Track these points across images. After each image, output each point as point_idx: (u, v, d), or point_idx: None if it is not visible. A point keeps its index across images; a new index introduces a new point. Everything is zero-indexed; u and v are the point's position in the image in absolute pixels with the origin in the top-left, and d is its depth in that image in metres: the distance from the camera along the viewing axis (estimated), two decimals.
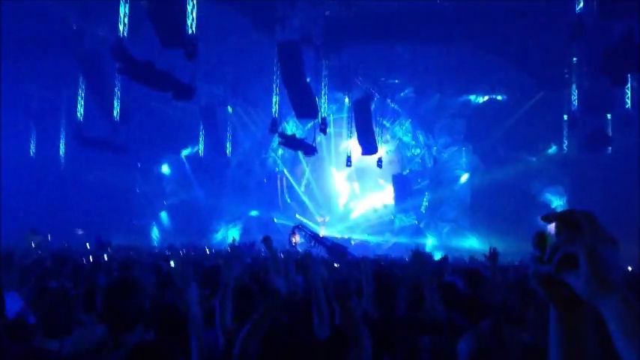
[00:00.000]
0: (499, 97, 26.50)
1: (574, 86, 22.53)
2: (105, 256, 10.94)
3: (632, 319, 1.00)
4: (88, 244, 17.61)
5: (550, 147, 25.93)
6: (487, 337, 3.08)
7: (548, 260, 1.10)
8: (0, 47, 18.44)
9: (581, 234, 1.07)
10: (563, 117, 24.25)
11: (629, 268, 16.03)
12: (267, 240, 5.71)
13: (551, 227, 1.10)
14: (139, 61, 18.81)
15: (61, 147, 25.35)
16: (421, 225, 28.60)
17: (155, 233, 28.12)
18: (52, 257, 10.53)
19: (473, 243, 26.06)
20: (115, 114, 22.63)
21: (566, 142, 24.70)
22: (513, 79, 24.02)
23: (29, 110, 23.72)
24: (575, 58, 22.13)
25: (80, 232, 23.48)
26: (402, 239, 27.85)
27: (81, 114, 22.84)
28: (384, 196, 29.81)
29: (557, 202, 25.71)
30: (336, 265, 10.82)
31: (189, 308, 3.02)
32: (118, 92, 22.79)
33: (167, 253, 15.65)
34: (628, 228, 20.85)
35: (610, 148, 22.65)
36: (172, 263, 8.88)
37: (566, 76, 22.71)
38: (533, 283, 1.15)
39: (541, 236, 1.14)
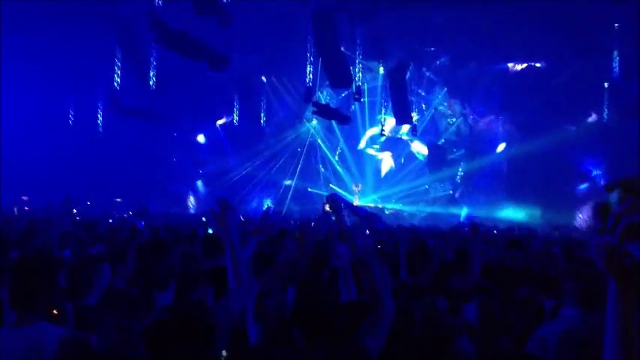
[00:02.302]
0: (537, 65, 25.90)
1: (615, 53, 21.94)
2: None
3: None
4: (128, 213, 17.93)
5: (590, 115, 25.34)
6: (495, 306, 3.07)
7: (611, 230, 1.04)
8: (35, 17, 18.70)
9: None
10: (603, 84, 23.67)
11: None
12: (334, 201, 5.28)
13: (614, 196, 1.03)
14: (174, 30, 18.90)
15: (99, 116, 25.71)
16: (456, 195, 28.39)
17: (191, 201, 28.48)
18: (90, 224, 10.80)
19: (509, 213, 25.79)
20: (151, 83, 22.85)
21: (606, 110, 24.11)
22: (552, 46, 23.39)
23: (67, 79, 24.04)
24: (616, 24, 21.50)
25: (119, 200, 23.92)
26: (437, 209, 27.71)
27: (117, 83, 23.11)
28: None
29: (596, 172, 25.24)
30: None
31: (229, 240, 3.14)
32: (153, 61, 22.99)
33: (203, 220, 15.89)
34: None
35: None
36: (210, 230, 9.04)
37: (607, 42, 22.09)
38: (594, 255, 1.09)
39: (603, 206, 1.07)
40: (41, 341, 2.78)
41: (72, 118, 26.14)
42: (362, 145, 30.09)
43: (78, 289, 3.55)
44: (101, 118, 25.72)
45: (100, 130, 25.63)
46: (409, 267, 4.63)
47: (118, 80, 23.30)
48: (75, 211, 16.25)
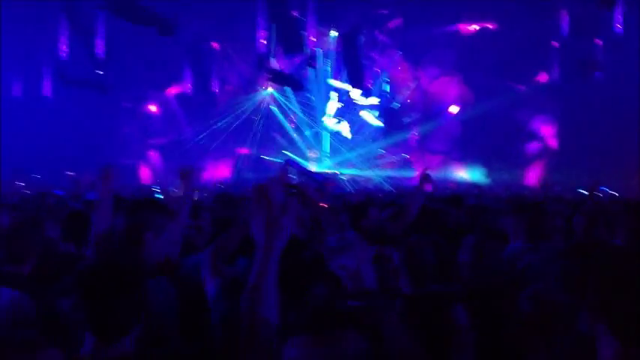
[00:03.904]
0: (489, 26, 26.09)
1: (564, 12, 22.25)
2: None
3: None
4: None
5: (540, 75, 25.73)
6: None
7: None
8: None
9: None
10: (553, 44, 24.02)
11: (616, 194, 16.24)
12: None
13: None
14: None
15: (45, 87, 24.98)
16: (411, 158, 28.61)
17: (144, 172, 28.03)
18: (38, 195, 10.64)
19: (463, 175, 26.21)
20: (98, 53, 22.27)
21: (555, 69, 24.53)
22: (503, 7, 23.56)
23: (11, 49, 23.26)
24: None
25: (70, 173, 23.40)
26: (392, 173, 27.92)
27: (64, 53, 22.44)
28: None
29: (547, 131, 25.85)
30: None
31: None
32: (101, 30, 22.38)
33: (156, 189, 15.76)
34: (618, 154, 21.05)
35: (599, 74, 22.55)
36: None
37: (557, 1, 22.39)
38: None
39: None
40: None
41: (17, 90, 25.34)
42: (328, 122, 29.72)
43: None
44: (48, 89, 25.00)
45: (48, 101, 24.93)
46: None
47: (65, 50, 22.64)
48: (22, 184, 15.96)
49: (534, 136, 26.08)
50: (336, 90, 27.34)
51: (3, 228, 3.87)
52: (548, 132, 25.96)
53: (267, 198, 2.01)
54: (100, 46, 22.37)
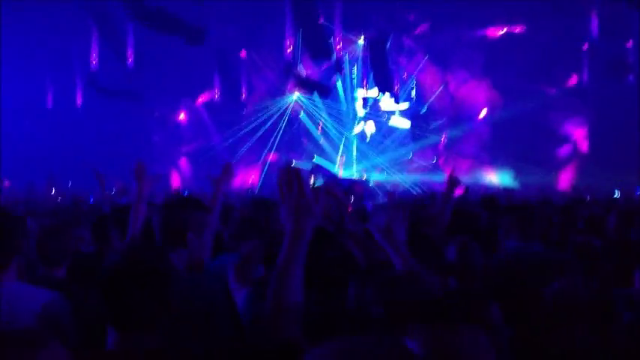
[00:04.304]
0: (517, 29, 25.85)
1: (593, 13, 21.96)
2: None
3: None
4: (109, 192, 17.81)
5: (570, 77, 25.40)
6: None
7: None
8: None
9: None
10: (582, 46, 23.68)
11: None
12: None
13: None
14: (148, 7, 18.71)
15: (78, 98, 25.41)
16: (439, 163, 28.40)
17: (175, 180, 28.23)
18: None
19: (493, 178, 25.92)
20: (128, 61, 22.58)
21: (585, 71, 24.19)
22: (532, 9, 23.32)
23: (44, 61, 23.71)
24: None
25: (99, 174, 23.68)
26: (421, 177, 27.70)
27: (95, 63, 22.82)
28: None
29: (578, 134, 25.49)
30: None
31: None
32: (131, 40, 22.73)
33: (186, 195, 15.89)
34: None
35: (631, 76, 22.20)
36: None
37: (586, 1, 22.11)
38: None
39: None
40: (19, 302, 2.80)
41: (50, 101, 25.81)
42: (357, 130, 29.58)
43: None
44: (80, 100, 25.42)
45: (80, 111, 25.34)
46: None
47: (97, 61, 23.03)
48: (53, 190, 16.27)
49: (565, 139, 25.74)
50: (363, 100, 27.32)
51: (34, 234, 3.97)
52: (579, 135, 25.60)
53: (299, 181, 2.00)
54: (130, 56, 22.69)
